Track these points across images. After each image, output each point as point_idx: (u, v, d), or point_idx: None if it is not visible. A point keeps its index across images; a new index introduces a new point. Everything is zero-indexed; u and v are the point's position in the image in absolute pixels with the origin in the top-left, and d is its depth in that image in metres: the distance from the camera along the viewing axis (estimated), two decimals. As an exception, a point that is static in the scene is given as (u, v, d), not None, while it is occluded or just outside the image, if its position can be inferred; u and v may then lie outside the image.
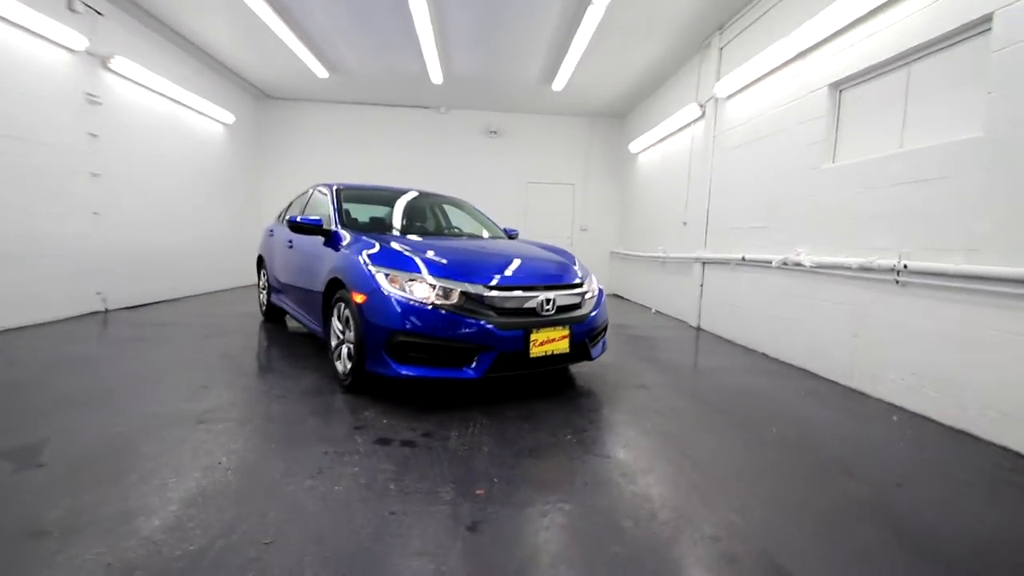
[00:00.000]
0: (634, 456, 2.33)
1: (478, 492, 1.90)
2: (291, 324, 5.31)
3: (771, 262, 4.49)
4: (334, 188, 4.10)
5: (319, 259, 3.58)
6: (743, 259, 4.99)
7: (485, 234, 4.39)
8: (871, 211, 3.48)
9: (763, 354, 4.68)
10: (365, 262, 2.92)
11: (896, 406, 3.21)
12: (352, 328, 2.92)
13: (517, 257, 3.26)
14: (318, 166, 9.26)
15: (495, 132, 9.48)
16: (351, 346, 2.97)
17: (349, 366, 3.01)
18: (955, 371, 2.85)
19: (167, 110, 6.40)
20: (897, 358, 3.25)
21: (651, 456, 2.34)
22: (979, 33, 2.81)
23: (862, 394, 3.48)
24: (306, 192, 4.97)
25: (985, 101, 2.72)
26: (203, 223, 7.38)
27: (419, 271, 2.80)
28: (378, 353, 2.73)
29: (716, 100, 5.79)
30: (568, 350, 2.99)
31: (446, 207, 4.68)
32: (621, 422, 2.78)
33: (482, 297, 2.77)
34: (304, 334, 4.81)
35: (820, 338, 3.95)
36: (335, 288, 3.26)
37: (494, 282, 2.83)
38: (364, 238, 3.32)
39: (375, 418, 2.64)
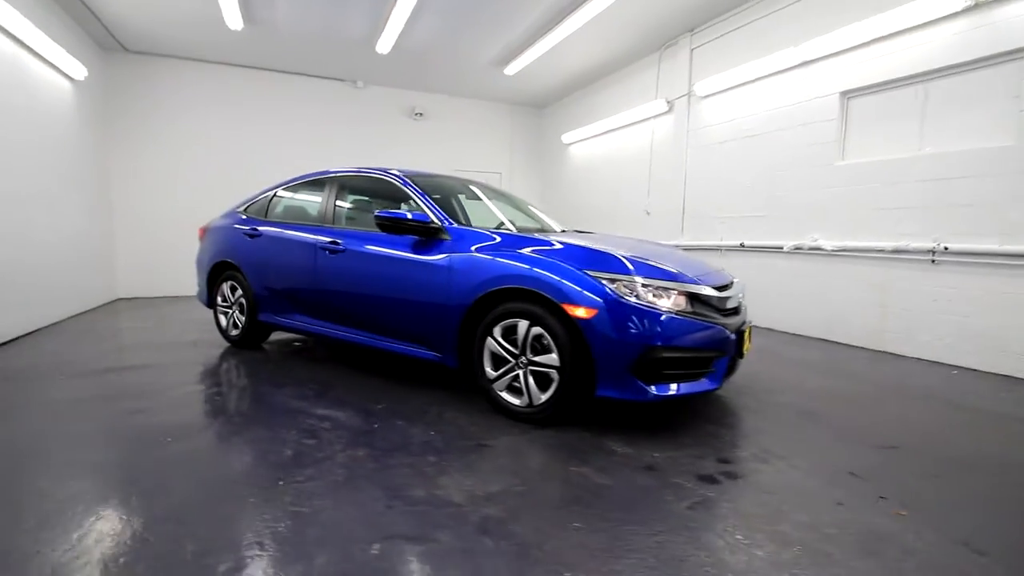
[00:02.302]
0: (898, 435, 2.42)
1: (901, 512, 1.76)
2: (271, 348, 4.10)
3: (782, 247, 5.06)
4: (404, 176, 3.28)
5: (431, 268, 2.83)
6: (742, 245, 5.52)
7: (557, 228, 4.01)
8: (896, 203, 4.17)
9: (767, 328, 5.29)
10: (578, 266, 2.41)
11: (933, 362, 3.95)
12: (555, 349, 2.40)
13: (683, 255, 3.07)
14: (197, 142, 7.27)
15: (421, 114, 8.64)
16: (545, 371, 2.45)
17: (543, 397, 2.47)
18: (994, 328, 3.62)
19: (9, 52, 4.24)
20: (930, 322, 3.99)
21: (895, 431, 2.46)
22: (1009, 60, 3.55)
23: (894, 355, 4.19)
24: (284, 185, 3.98)
25: (1017, 118, 3.48)
26: (58, 220, 5.15)
27: (653, 275, 2.42)
28: (620, 374, 2.30)
29: (690, 97, 6.21)
30: (750, 346, 2.95)
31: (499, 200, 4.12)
32: (831, 409, 2.86)
33: (710, 299, 2.53)
34: (322, 360, 3.75)
35: (840, 311, 4.61)
36: (490, 304, 2.62)
37: (714, 282, 2.61)
38: (511, 236, 2.79)
39: (640, 453, 2.23)
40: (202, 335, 4.55)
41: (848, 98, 4.58)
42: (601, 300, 2.31)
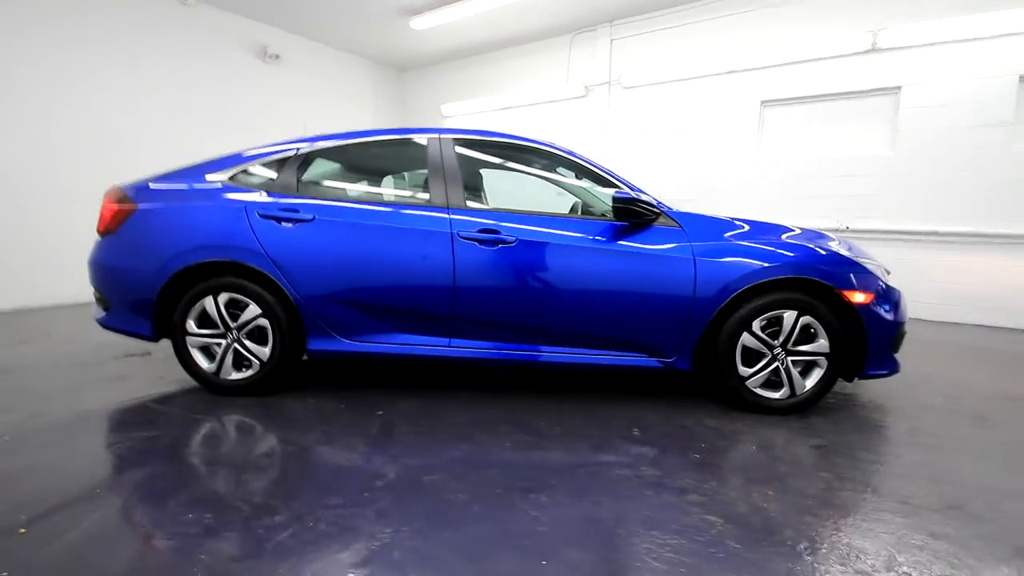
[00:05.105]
0: (994, 376, 3.32)
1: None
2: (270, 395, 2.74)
3: (714, 227, 5.99)
4: (571, 151, 2.66)
5: (668, 261, 2.43)
6: (672, 226, 6.27)
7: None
8: (808, 192, 5.45)
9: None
10: (847, 251, 2.47)
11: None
12: (824, 336, 2.41)
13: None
14: None
15: (277, 56, 6.62)
16: (806, 360, 2.45)
17: (808, 385, 2.47)
18: (876, 284, 5.19)
19: None
20: (830, 282, 5.42)
21: (979, 370, 3.40)
22: (887, 94, 5.01)
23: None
24: (324, 146, 2.66)
25: (893, 135, 4.98)
26: None
27: (866, 256, 2.64)
28: (885, 353, 2.47)
29: (611, 86, 6.58)
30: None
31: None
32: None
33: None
34: (391, 388, 2.70)
35: (760, 278, 5.81)
36: (742, 299, 2.42)
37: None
38: (723, 220, 2.69)
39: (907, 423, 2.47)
40: (150, 386, 2.66)
41: (765, 106, 5.68)
42: (878, 284, 2.43)
